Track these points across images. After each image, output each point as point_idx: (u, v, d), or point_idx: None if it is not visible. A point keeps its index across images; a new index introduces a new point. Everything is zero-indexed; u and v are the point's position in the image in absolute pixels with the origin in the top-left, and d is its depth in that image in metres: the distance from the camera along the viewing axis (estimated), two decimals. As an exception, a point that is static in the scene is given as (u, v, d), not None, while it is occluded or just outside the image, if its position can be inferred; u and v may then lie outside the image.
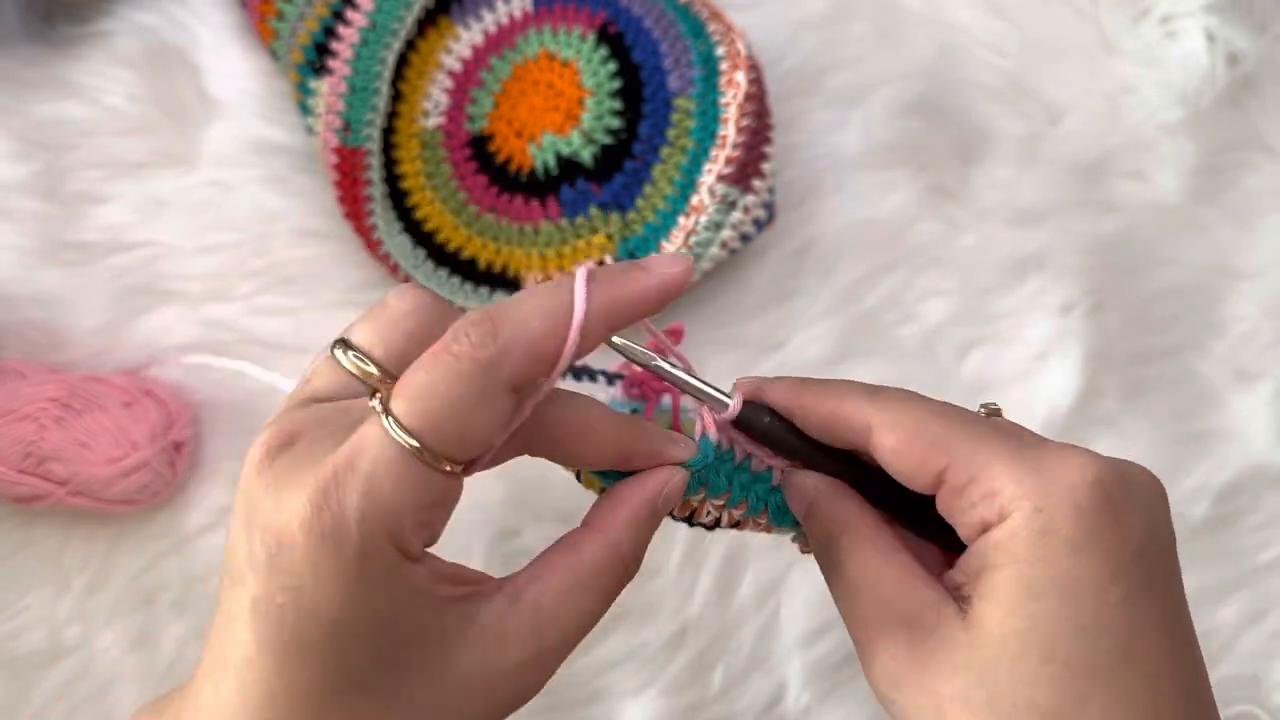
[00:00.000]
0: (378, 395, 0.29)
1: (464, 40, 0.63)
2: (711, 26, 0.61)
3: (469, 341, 0.28)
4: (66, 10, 0.62)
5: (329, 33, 0.61)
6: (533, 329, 0.29)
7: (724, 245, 0.60)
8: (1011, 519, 0.31)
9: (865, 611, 0.34)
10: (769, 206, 0.61)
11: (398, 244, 0.61)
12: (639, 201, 0.61)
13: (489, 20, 0.63)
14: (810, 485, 0.36)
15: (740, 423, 0.36)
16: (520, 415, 0.30)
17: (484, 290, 0.62)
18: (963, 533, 0.33)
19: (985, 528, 0.32)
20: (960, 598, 0.32)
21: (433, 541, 0.31)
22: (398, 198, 0.62)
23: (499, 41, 0.63)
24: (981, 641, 0.31)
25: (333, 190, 0.62)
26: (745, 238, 0.61)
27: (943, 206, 0.66)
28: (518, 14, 0.63)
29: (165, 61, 0.62)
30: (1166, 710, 0.30)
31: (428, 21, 0.63)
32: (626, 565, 0.33)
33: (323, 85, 0.61)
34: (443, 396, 0.28)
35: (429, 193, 0.63)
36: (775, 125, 0.62)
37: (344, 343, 0.31)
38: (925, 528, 0.36)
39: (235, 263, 0.61)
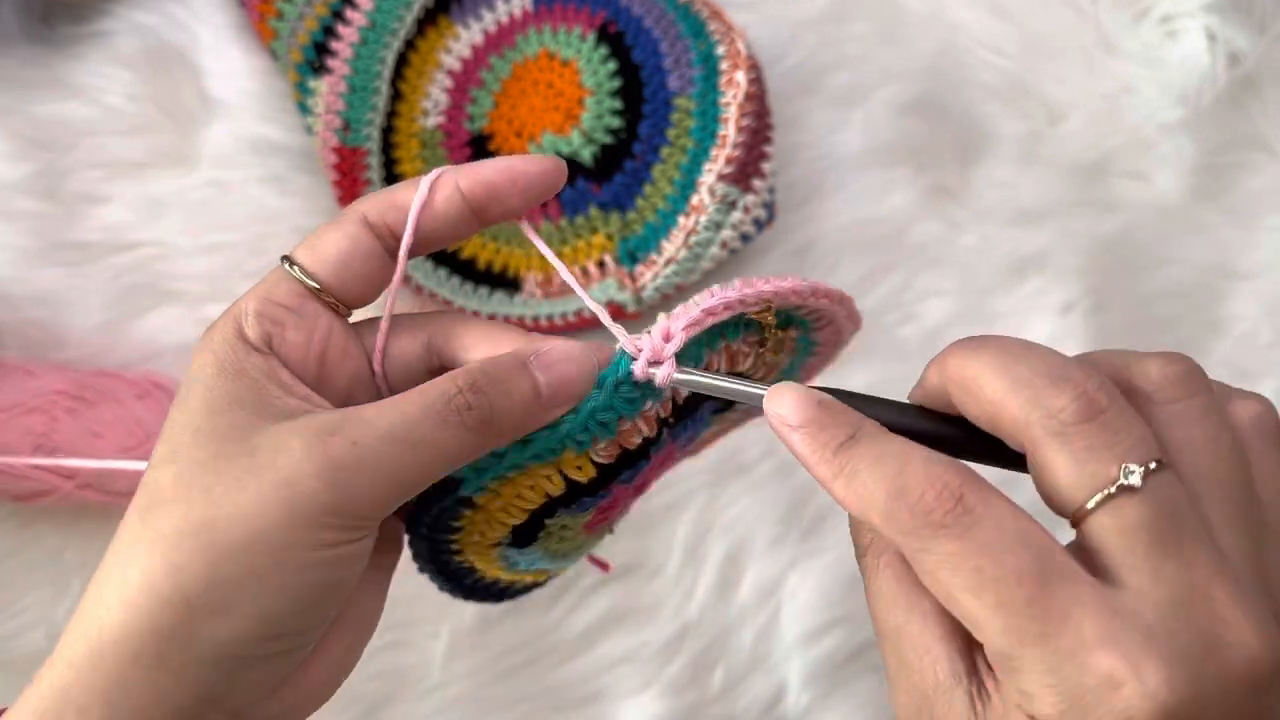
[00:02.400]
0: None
1: (464, 40, 0.63)
2: (712, 26, 0.61)
3: (353, 206, 0.36)
4: (66, 10, 0.62)
5: (328, 32, 0.61)
6: (394, 189, 0.36)
7: (724, 245, 0.60)
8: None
9: (887, 659, 0.32)
10: (769, 206, 0.61)
11: (398, 244, 0.61)
12: (639, 201, 0.61)
13: (489, 20, 0.63)
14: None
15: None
16: (398, 267, 0.36)
17: (484, 290, 0.62)
18: None
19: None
20: (981, 682, 0.30)
21: (290, 352, 0.34)
22: (398, 198, 0.62)
23: (499, 41, 0.63)
24: None
25: (333, 190, 0.62)
26: (745, 238, 0.61)
27: (943, 206, 0.66)
28: (517, 13, 0.63)
29: (165, 61, 0.62)
30: None
31: (427, 21, 0.63)
32: (462, 393, 0.33)
33: (322, 85, 0.61)
34: (317, 232, 0.36)
35: (429, 193, 0.63)
36: (775, 125, 0.62)
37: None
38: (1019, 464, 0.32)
39: (235, 263, 0.61)
